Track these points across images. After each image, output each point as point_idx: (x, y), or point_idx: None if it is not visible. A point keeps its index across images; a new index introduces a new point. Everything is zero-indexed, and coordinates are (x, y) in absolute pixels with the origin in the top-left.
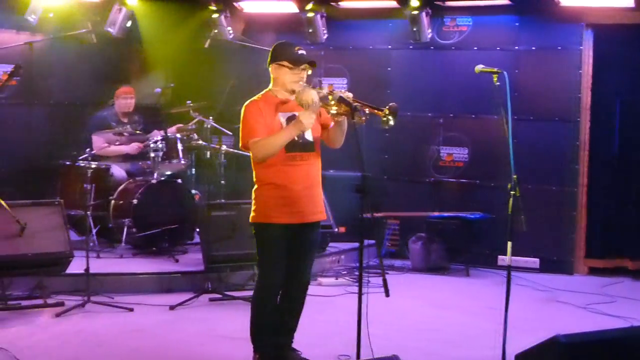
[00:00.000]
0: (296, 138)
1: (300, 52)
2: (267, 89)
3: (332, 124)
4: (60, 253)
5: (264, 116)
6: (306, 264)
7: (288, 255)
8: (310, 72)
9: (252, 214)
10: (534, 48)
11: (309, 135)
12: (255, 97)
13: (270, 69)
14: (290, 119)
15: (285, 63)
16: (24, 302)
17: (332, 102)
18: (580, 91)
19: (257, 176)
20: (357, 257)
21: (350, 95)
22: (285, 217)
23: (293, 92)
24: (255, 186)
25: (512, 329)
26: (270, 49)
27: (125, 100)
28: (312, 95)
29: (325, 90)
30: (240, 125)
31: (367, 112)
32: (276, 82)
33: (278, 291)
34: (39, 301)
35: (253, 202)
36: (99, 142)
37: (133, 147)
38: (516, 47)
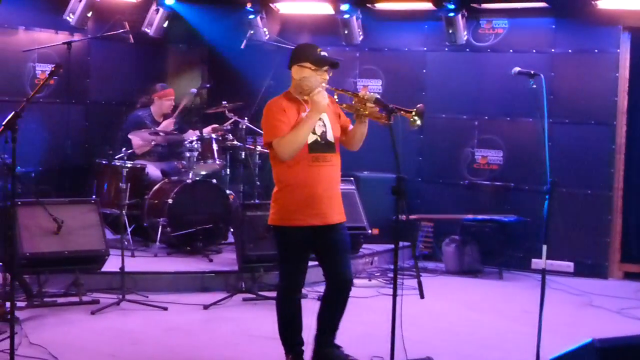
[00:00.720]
0: (319, 139)
1: (322, 53)
2: (289, 90)
3: (351, 126)
4: (96, 251)
5: (287, 115)
6: (341, 263)
7: (319, 259)
8: (331, 73)
9: (271, 216)
10: (570, 51)
11: (330, 136)
12: (277, 97)
13: (292, 70)
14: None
15: (308, 64)
16: (60, 300)
17: (368, 103)
18: (617, 94)
19: (278, 177)
20: (390, 258)
21: (376, 96)
22: (307, 219)
23: None
24: (276, 188)
25: (546, 333)
26: (292, 51)
27: (169, 101)
28: (326, 98)
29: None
30: (263, 124)
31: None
32: (297, 84)
33: (299, 293)
34: (75, 299)
35: (272, 204)
36: (137, 141)
37: (165, 123)
38: (552, 50)
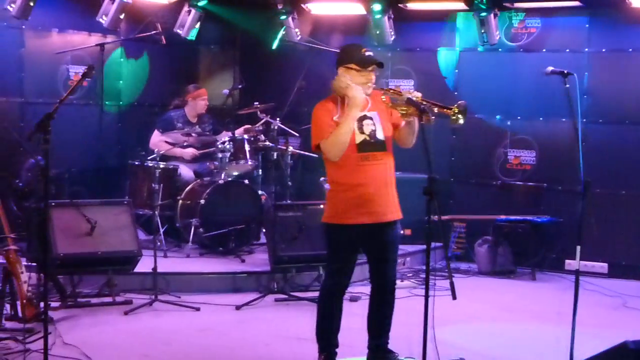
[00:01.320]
0: (367, 138)
1: (367, 53)
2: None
3: (403, 123)
4: (129, 252)
5: (333, 117)
6: (388, 266)
7: (368, 258)
8: (378, 73)
9: (324, 214)
10: (604, 50)
11: (380, 134)
12: (324, 100)
13: (338, 72)
14: (361, 119)
15: (353, 65)
16: (93, 300)
17: (401, 103)
18: None
19: (330, 177)
20: (422, 259)
21: (419, 95)
22: (359, 217)
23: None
24: (330, 187)
25: (579, 335)
26: (338, 52)
27: (203, 101)
28: (361, 95)
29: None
30: (311, 127)
31: (435, 111)
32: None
33: (344, 292)
34: (108, 299)
35: (326, 202)
36: (157, 137)
37: (188, 153)
38: (586, 49)
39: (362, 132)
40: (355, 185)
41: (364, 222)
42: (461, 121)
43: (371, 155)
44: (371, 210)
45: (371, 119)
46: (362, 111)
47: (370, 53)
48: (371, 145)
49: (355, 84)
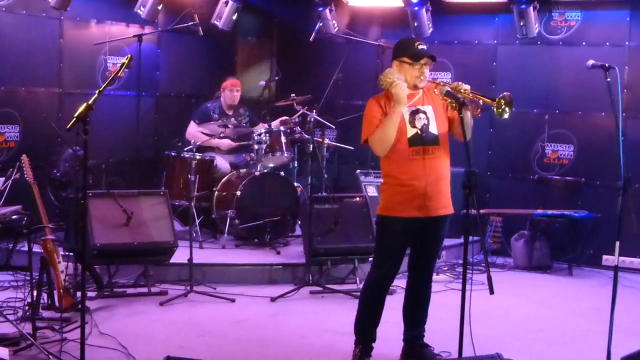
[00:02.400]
0: (419, 132)
1: (420, 47)
2: None
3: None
4: (165, 243)
5: (384, 112)
6: (430, 258)
7: (412, 249)
8: (431, 66)
9: (379, 206)
10: None
11: (433, 129)
12: (378, 95)
13: (392, 66)
14: (414, 113)
15: (406, 59)
16: (130, 290)
17: (443, 96)
18: None
19: (383, 171)
20: (459, 253)
21: (467, 87)
22: (409, 211)
23: (416, 87)
24: (383, 180)
25: (618, 331)
26: (393, 47)
27: (231, 92)
28: (404, 89)
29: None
30: (362, 121)
31: (481, 103)
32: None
33: (389, 285)
34: (144, 289)
35: (380, 195)
36: (193, 128)
37: (224, 143)
38: (627, 43)
39: (414, 126)
40: (407, 179)
41: (415, 215)
42: (507, 114)
43: (422, 149)
44: (422, 204)
45: (425, 112)
46: (414, 105)
47: (424, 46)
48: (423, 139)
49: (408, 78)
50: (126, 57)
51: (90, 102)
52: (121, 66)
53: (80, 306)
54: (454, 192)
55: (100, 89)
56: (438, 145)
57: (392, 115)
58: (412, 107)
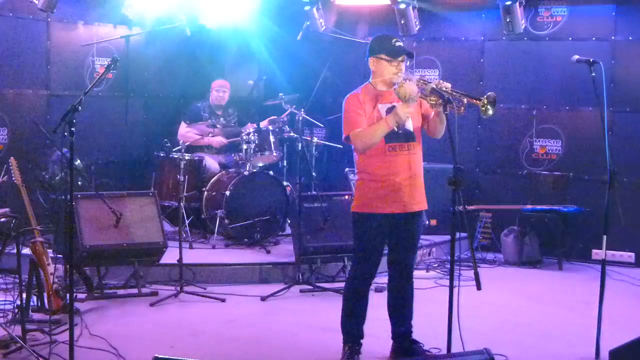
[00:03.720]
0: (395, 129)
1: (397, 44)
2: (367, 82)
3: (432, 113)
4: (155, 243)
5: (364, 108)
6: (408, 254)
7: (390, 245)
8: (408, 63)
9: (354, 203)
10: (631, 38)
11: (409, 125)
12: (356, 90)
13: (369, 62)
14: (390, 110)
15: (383, 56)
16: (120, 291)
17: (428, 93)
18: None
19: (358, 167)
20: (448, 249)
21: (448, 85)
22: (387, 207)
23: (392, 84)
24: (358, 177)
25: (607, 325)
26: (369, 43)
27: (218, 93)
28: (412, 87)
29: (415, 78)
30: (343, 118)
31: (465, 102)
32: (375, 75)
33: (371, 281)
34: (134, 290)
35: (355, 192)
36: (184, 129)
37: (216, 140)
38: (613, 38)
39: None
40: (383, 175)
41: (392, 211)
42: (490, 112)
43: (399, 146)
44: (399, 200)
45: None
46: (390, 102)
47: (401, 43)
48: (400, 136)
49: (386, 74)
50: (112, 58)
51: (75, 103)
52: (107, 68)
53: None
54: (441, 189)
55: (86, 91)
56: (414, 141)
57: (388, 122)
58: (388, 104)
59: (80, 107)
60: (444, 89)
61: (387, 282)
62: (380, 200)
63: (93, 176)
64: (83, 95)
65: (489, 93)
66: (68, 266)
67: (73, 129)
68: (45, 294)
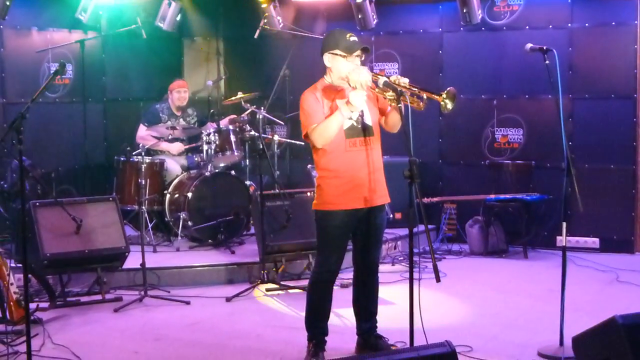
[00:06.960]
0: (355, 123)
1: (352, 38)
2: (323, 78)
3: (389, 108)
4: (117, 248)
5: (321, 104)
6: (373, 249)
7: (355, 241)
8: (363, 57)
9: (315, 201)
10: (587, 25)
11: (367, 120)
12: (311, 87)
13: (324, 59)
14: None
15: (338, 52)
16: (83, 299)
17: (382, 87)
18: (637, 67)
19: (319, 164)
20: (415, 242)
21: (406, 81)
22: (349, 202)
23: (348, 80)
24: (317, 174)
25: (572, 311)
26: (322, 39)
27: (179, 94)
28: (364, 73)
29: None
30: (300, 115)
31: (424, 97)
32: (331, 71)
33: (334, 278)
34: (98, 297)
35: (316, 190)
36: (143, 131)
37: (174, 148)
38: (569, 25)
39: (350, 118)
40: (344, 171)
41: (354, 207)
42: (450, 107)
43: (359, 141)
44: (361, 195)
45: None
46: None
47: (355, 38)
48: (359, 131)
49: (342, 70)
50: (59, 63)
51: (23, 110)
52: (55, 73)
53: (29, 318)
54: (404, 182)
55: (33, 97)
56: (373, 135)
57: (343, 112)
58: (345, 100)
59: (27, 115)
60: (402, 83)
61: (352, 277)
62: (342, 196)
63: (54, 183)
64: (30, 102)
65: (449, 88)
66: (23, 275)
67: (21, 136)
68: (6, 305)
